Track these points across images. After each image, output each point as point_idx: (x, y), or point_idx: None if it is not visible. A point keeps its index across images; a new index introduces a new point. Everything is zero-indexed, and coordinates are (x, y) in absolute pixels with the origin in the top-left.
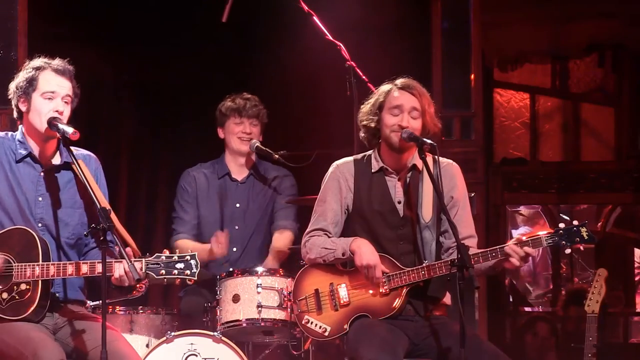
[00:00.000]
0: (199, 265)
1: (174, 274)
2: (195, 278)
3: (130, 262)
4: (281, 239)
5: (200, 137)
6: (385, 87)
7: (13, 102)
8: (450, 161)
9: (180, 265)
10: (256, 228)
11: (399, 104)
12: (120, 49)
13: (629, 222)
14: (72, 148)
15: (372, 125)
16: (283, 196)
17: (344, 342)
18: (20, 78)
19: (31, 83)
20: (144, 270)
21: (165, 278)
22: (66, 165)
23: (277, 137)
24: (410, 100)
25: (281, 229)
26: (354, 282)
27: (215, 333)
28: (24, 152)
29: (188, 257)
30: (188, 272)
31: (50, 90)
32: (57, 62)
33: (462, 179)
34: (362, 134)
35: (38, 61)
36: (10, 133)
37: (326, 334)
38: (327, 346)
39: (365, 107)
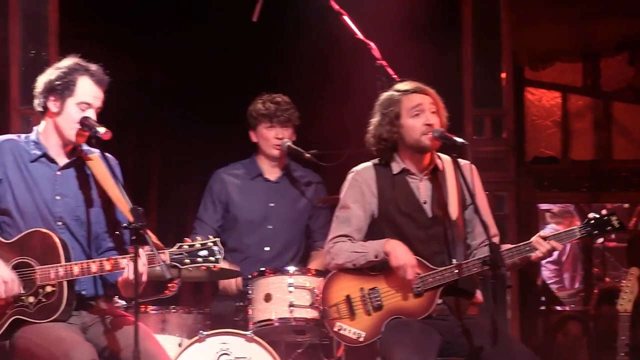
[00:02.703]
0: (222, 251)
1: (199, 262)
2: (220, 263)
3: (161, 263)
4: (318, 259)
5: (230, 137)
6: (391, 96)
7: (40, 97)
8: (467, 161)
9: (203, 253)
10: (289, 228)
11: (419, 103)
12: (149, 49)
13: None
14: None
15: (395, 137)
16: (320, 211)
17: (377, 342)
18: (55, 76)
19: (68, 86)
20: (169, 261)
21: (190, 267)
22: (82, 164)
23: (308, 136)
24: (426, 98)
25: (319, 250)
26: (386, 285)
27: (248, 332)
28: (38, 153)
29: (210, 244)
30: (212, 258)
31: (87, 101)
32: (96, 70)
33: (479, 178)
34: (374, 146)
35: (75, 62)
36: (22, 135)
37: (361, 339)
38: (360, 348)
39: (381, 120)
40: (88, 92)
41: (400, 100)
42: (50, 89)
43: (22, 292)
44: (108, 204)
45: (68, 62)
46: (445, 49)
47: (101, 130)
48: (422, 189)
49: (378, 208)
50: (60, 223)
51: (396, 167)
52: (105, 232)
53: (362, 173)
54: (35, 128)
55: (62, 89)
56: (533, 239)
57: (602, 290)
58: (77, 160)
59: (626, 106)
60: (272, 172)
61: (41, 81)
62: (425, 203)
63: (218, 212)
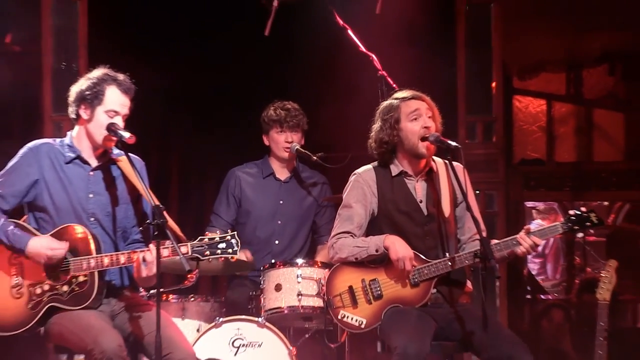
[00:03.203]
0: (239, 244)
1: (218, 253)
2: (237, 255)
3: (181, 256)
4: (323, 252)
5: (244, 139)
6: (390, 104)
7: (73, 106)
8: (457, 163)
9: (222, 245)
10: (297, 223)
11: (416, 108)
12: (171, 59)
13: (638, 217)
14: (119, 151)
15: (395, 140)
16: (325, 209)
17: (377, 329)
18: (86, 86)
19: (97, 96)
20: (190, 254)
21: (210, 258)
22: (113, 165)
23: (315, 140)
24: (422, 104)
25: (324, 244)
26: (385, 276)
27: (260, 319)
28: (72, 155)
29: (229, 237)
30: (230, 250)
31: (114, 109)
32: (123, 80)
33: (468, 178)
34: (375, 150)
35: (104, 73)
36: (57, 139)
37: (362, 326)
38: (362, 334)
39: (382, 126)
40: (116, 101)
41: (399, 106)
42: (82, 98)
43: (56, 282)
44: (135, 201)
45: (98, 72)
46: (440, 60)
47: (126, 135)
48: (418, 189)
49: (378, 207)
50: (92, 219)
51: (395, 169)
52: (133, 226)
53: (364, 175)
54: (69, 133)
55: (92, 98)
56: (518, 234)
57: (582, 281)
58: (108, 162)
59: (606, 112)
60: (282, 173)
61: (74, 91)
62: (421, 202)
63: (232, 207)
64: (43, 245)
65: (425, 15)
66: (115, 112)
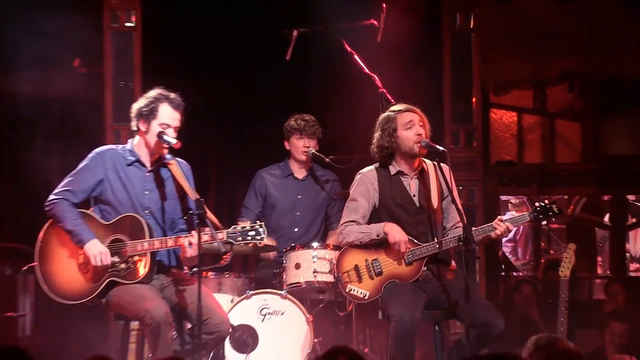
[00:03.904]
0: (266, 231)
1: (248, 239)
2: (264, 241)
3: (218, 241)
4: (333, 237)
5: (267, 145)
6: (388, 116)
7: (134, 120)
8: (444, 165)
9: (252, 233)
10: (312, 214)
11: (410, 119)
12: (209, 80)
13: (592, 208)
14: (171, 156)
15: (393, 145)
16: (335, 201)
17: (378, 300)
18: (143, 104)
19: (152, 112)
20: (225, 239)
21: (241, 243)
22: (164, 168)
23: (327, 144)
24: (415, 115)
25: (334, 230)
26: (385, 257)
27: (282, 292)
28: (132, 159)
29: (257, 226)
30: (258, 237)
31: (166, 123)
32: (174, 98)
33: (453, 178)
34: (377, 154)
35: (158, 92)
36: (120, 145)
37: (366, 298)
38: (365, 304)
39: (381, 134)
40: (168, 115)
41: (395, 118)
42: (140, 114)
43: (116, 260)
44: (182, 197)
45: (153, 92)
46: (430, 78)
47: (173, 141)
48: (412, 185)
49: (379, 200)
50: (147, 211)
51: (393, 169)
52: (180, 218)
53: (367, 174)
54: (130, 140)
55: (148, 114)
56: (494, 221)
57: (547, 261)
58: (161, 165)
59: (566, 123)
60: (300, 172)
61: (134, 108)
62: (414, 196)
63: (259, 202)
64: (94, 251)
65: (417, 43)
66: (167, 125)
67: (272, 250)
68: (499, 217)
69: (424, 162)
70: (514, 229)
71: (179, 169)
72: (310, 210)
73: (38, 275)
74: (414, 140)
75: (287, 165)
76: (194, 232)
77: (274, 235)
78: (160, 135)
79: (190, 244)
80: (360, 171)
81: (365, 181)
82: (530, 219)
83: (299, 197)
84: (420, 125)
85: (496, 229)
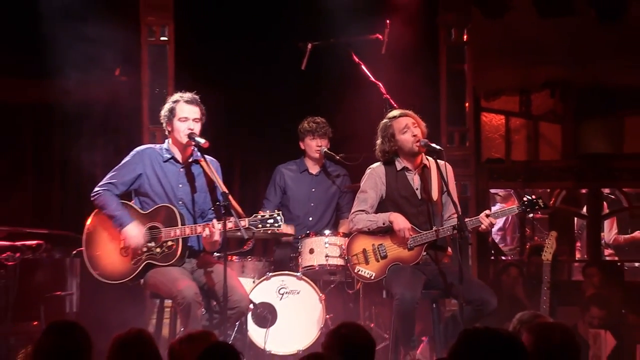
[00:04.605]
0: (283, 219)
1: (267, 226)
2: (282, 229)
3: (242, 228)
4: (344, 225)
5: (285, 144)
6: (385, 123)
7: (163, 124)
8: (445, 162)
9: (270, 220)
10: (325, 205)
11: (405, 124)
12: (234, 87)
13: (571, 200)
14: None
15: (394, 148)
16: (345, 194)
17: (383, 280)
18: (165, 109)
19: (172, 112)
20: (247, 226)
21: (261, 230)
22: (196, 163)
23: (338, 144)
24: (408, 119)
25: (345, 219)
26: (389, 242)
27: (298, 273)
28: (168, 156)
29: (276, 215)
30: (276, 224)
31: (184, 116)
32: (187, 95)
33: (452, 174)
34: (381, 158)
35: (175, 96)
36: (157, 145)
37: (372, 278)
38: (372, 284)
39: (382, 141)
40: (183, 110)
41: (392, 124)
42: (164, 118)
43: (152, 245)
44: (211, 190)
45: (172, 97)
46: (428, 85)
47: (201, 141)
48: (415, 180)
49: (385, 192)
50: (180, 202)
51: (399, 165)
52: (209, 208)
53: (376, 169)
54: (167, 140)
55: (169, 115)
56: (480, 216)
57: (532, 246)
58: (193, 162)
59: (548, 125)
60: (314, 168)
61: (162, 113)
62: (417, 189)
63: (278, 194)
64: (132, 233)
65: (417, 54)
66: (186, 117)
67: (290, 236)
68: (484, 212)
69: (427, 159)
70: (498, 220)
71: (208, 165)
72: (322, 201)
73: (85, 259)
74: (412, 142)
75: (302, 162)
76: (214, 221)
77: (292, 224)
78: (190, 135)
79: (210, 232)
80: (370, 166)
81: (374, 175)
82: (519, 212)
83: (313, 190)
84: (415, 126)
85: (482, 223)
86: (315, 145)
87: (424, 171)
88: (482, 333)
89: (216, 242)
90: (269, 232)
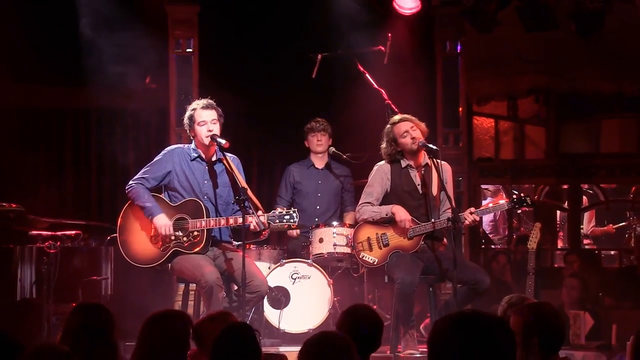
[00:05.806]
0: (298, 216)
1: (284, 222)
2: (297, 224)
3: (259, 219)
4: (349, 217)
5: (298, 145)
6: (388, 129)
7: (187, 131)
8: (444, 162)
9: (287, 217)
10: (330, 196)
11: (405, 130)
12: (252, 94)
13: (554, 195)
14: (225, 153)
15: (398, 149)
16: (348, 191)
17: (385, 266)
18: (186, 117)
19: (191, 119)
20: (266, 220)
21: (278, 224)
22: (220, 162)
23: (344, 144)
24: (408, 124)
25: (349, 212)
26: (392, 232)
27: (309, 260)
28: (195, 155)
29: (291, 211)
30: (292, 220)
31: (202, 120)
32: (203, 101)
33: (450, 172)
34: (386, 160)
35: (192, 104)
36: (186, 145)
37: (375, 263)
38: (375, 270)
39: (386, 144)
40: (201, 115)
41: (392, 130)
42: (187, 124)
43: (179, 234)
44: (234, 185)
45: (191, 105)
46: (425, 91)
47: (222, 141)
48: (417, 177)
49: (390, 187)
50: (205, 196)
51: (403, 163)
52: (232, 202)
53: (382, 166)
54: (193, 141)
55: (190, 122)
56: (465, 212)
57: (518, 236)
58: (217, 160)
59: (533, 127)
60: (319, 164)
61: (184, 121)
62: (418, 185)
63: (289, 191)
64: (161, 222)
65: (415, 64)
66: (204, 121)
67: (297, 229)
68: (469, 209)
69: (430, 159)
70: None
71: (231, 163)
72: (328, 192)
73: (119, 245)
74: (411, 143)
75: (309, 159)
76: (260, 213)
77: (301, 215)
78: (213, 137)
79: (256, 224)
80: (378, 163)
81: (381, 172)
82: (508, 208)
83: (319, 182)
84: (414, 129)
85: (466, 218)
86: (315, 141)
87: (425, 169)
88: (465, 317)
89: (262, 231)
90: (285, 226)
